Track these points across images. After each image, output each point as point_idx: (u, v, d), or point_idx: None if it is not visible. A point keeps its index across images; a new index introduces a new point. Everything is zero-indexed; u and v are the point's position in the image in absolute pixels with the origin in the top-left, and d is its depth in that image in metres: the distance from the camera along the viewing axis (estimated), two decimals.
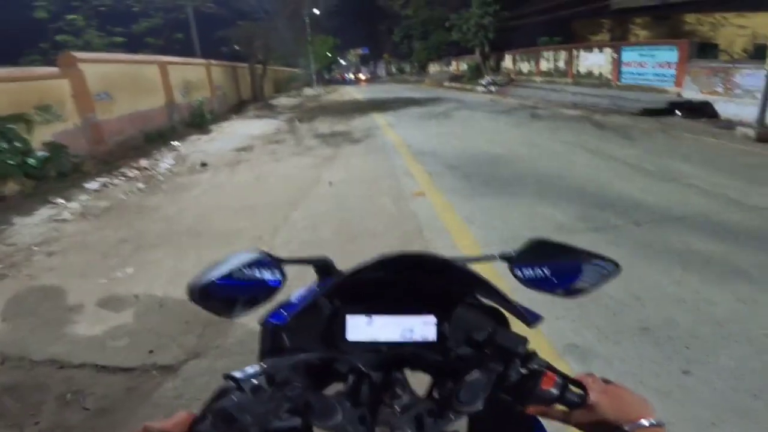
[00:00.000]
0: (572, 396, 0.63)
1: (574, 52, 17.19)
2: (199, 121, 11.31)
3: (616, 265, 0.74)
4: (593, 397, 0.62)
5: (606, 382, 0.65)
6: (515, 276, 0.78)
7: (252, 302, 0.70)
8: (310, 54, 31.24)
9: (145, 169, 7.06)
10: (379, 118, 12.60)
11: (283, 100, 20.36)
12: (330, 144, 8.78)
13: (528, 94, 17.10)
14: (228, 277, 0.67)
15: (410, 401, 0.66)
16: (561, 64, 18.18)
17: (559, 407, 0.65)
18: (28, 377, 2.24)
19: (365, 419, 0.64)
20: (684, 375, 2.06)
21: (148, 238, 4.12)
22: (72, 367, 2.30)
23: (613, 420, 0.59)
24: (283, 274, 0.73)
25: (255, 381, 0.59)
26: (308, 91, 27.51)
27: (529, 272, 0.78)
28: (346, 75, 62.78)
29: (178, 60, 11.52)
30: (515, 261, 0.78)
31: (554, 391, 0.62)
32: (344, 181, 5.89)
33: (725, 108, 10.39)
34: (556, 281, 0.77)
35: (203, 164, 7.26)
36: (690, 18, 16.84)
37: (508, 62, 23.19)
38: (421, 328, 0.76)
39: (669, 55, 12.62)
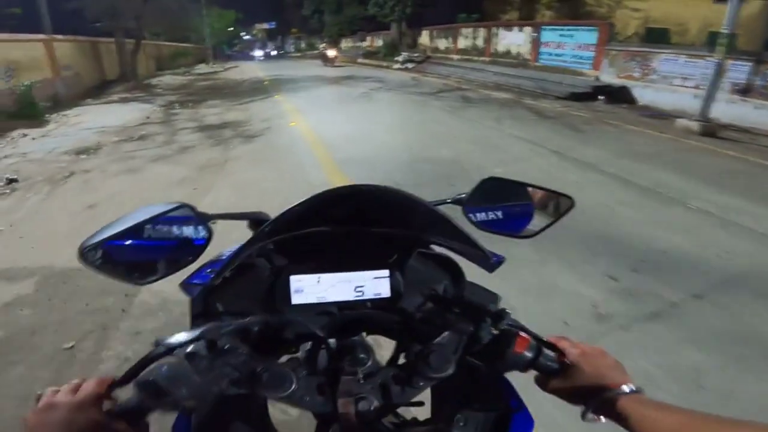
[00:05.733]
0: (547, 360, 0.57)
1: (493, 30, 16.44)
2: (28, 111, 8.39)
3: (571, 200, 0.74)
4: (570, 361, 0.56)
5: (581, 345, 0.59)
6: (468, 219, 0.76)
7: (172, 265, 0.60)
8: (206, 28, 28.89)
9: None
10: (285, 103, 10.16)
11: (166, 79, 16.97)
12: (217, 140, 6.52)
13: (447, 72, 16.19)
14: (138, 237, 0.57)
15: (374, 368, 0.60)
16: (479, 42, 17.40)
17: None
18: None
19: (324, 388, 0.57)
20: None
21: None
22: None
23: (590, 385, 0.53)
24: (209, 230, 0.64)
25: (191, 348, 0.50)
26: (202, 68, 23.79)
27: (482, 215, 0.77)
28: (249, 51, 56.53)
29: None
30: (468, 203, 0.77)
31: (528, 354, 0.57)
32: (232, 211, 3.89)
33: (642, 93, 10.20)
34: (509, 224, 0.77)
35: (10, 181, 4.77)
36: None
37: (424, 39, 22.06)
38: (374, 284, 0.68)
39: (588, 36, 12.22)
